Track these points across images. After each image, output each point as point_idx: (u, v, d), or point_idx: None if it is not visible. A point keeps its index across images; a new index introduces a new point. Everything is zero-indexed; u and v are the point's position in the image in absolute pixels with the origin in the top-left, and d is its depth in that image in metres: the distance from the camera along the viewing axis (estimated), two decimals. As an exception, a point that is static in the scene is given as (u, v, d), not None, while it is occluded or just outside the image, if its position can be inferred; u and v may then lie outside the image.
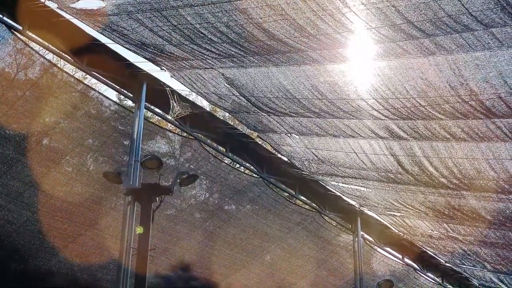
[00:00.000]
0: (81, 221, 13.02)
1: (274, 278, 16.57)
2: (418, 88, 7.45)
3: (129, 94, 11.06)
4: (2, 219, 12.47)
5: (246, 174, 13.43)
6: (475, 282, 18.20)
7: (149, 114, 11.35)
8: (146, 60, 9.49)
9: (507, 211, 10.55)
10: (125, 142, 11.53)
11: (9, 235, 12.86)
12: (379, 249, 16.61)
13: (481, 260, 14.83)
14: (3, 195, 12.04)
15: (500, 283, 16.70)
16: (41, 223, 12.88)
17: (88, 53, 10.46)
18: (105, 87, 11.05)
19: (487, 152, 8.66)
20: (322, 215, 14.82)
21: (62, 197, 12.57)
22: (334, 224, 15.27)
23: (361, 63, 7.55)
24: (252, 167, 13.28)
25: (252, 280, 16.29)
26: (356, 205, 14.82)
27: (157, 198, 9.84)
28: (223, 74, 8.92)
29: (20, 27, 9.58)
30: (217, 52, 8.05)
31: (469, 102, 7.34)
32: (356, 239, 15.34)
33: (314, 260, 16.44)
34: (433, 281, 18.16)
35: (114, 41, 9.09)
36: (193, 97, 11.22)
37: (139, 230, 9.59)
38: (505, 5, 5.40)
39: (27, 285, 14.11)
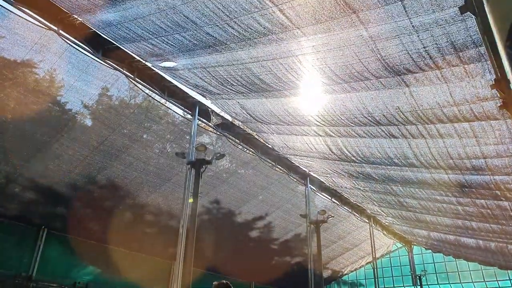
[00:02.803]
0: (163, 177, 13.08)
1: (263, 208, 16.61)
2: (341, 110, 7.50)
3: (189, 111, 11.08)
4: (124, 176, 12.52)
5: (249, 154, 13.49)
6: (368, 210, 18.24)
7: (199, 122, 11.34)
8: (198, 94, 9.52)
9: (387, 173, 10.56)
10: (187, 137, 11.56)
11: (125, 185, 12.92)
12: (318, 194, 16.66)
13: (372, 200, 14.89)
14: (124, 165, 12.08)
15: (380, 211, 16.72)
16: (142, 179, 12.92)
17: (167, 89, 10.49)
18: (175, 108, 11.06)
19: (375, 144, 8.70)
20: (289, 175, 14.88)
21: (154, 165, 12.61)
22: (295, 180, 15.33)
23: (310, 96, 7.58)
24: (252, 150, 13.34)
25: (252, 208, 16.31)
26: (307, 170, 14.87)
27: (203, 166, 9.91)
28: (238, 102, 8.95)
29: (132, 75, 9.61)
30: (235, 90, 8.08)
31: (367, 117, 7.39)
32: (307, 188, 15.42)
33: (285, 199, 16.49)
34: (347, 210, 18.18)
35: (181, 83, 9.12)
36: (222, 113, 11.20)
37: (191, 200, 9.58)
38: (386, 66, 5.45)
39: (133, 210, 14.15)
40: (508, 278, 20.77)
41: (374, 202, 15.10)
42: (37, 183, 11.59)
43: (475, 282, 21.62)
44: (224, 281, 3.15)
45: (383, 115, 7.07)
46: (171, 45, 6.65)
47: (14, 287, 12.23)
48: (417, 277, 22.53)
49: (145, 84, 10.03)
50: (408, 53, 5.14)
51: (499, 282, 20.93)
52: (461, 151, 7.43)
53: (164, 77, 9.92)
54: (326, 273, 22.79)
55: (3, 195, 11.50)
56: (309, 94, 7.39)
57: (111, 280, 14.85)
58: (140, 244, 15.79)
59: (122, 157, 11.82)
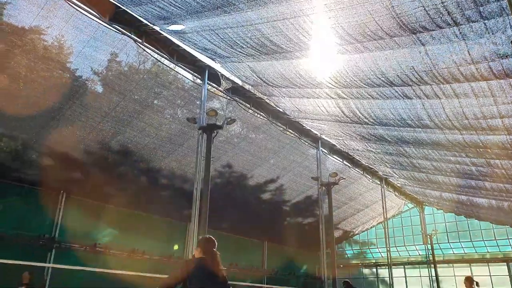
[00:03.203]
0: (175, 142, 13.19)
1: (275, 172, 16.76)
2: (354, 71, 7.34)
3: (198, 76, 10.97)
4: (137, 142, 12.66)
5: (260, 117, 13.42)
6: (380, 172, 18.29)
7: (209, 87, 11.25)
8: (207, 57, 9.39)
9: (400, 135, 10.46)
10: (197, 102, 11.53)
11: (139, 150, 13.10)
12: (330, 156, 16.66)
13: (384, 162, 14.89)
14: (137, 131, 12.19)
15: (392, 172, 16.74)
16: (154, 144, 13.07)
17: (176, 53, 10.35)
18: (184, 72, 10.94)
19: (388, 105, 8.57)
20: (300, 139, 14.85)
21: (166, 130, 12.70)
22: (306, 144, 15.31)
23: (322, 57, 7.41)
24: (263, 114, 13.26)
25: (264, 171, 16.49)
26: (318, 133, 14.82)
27: (214, 131, 9.93)
28: (248, 65, 8.82)
29: (139, 40, 9.48)
30: (245, 53, 7.94)
31: (380, 78, 7.23)
32: (318, 151, 15.42)
33: (296, 163, 16.58)
34: (358, 172, 18.22)
35: (189, 47, 8.98)
36: (232, 77, 11.06)
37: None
38: (401, 24, 5.24)
39: (148, 175, 14.43)
40: (519, 237, 20.99)
41: (386, 164, 15.09)
42: (53, 150, 11.84)
43: (486, 240, 21.87)
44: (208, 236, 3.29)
45: (397, 75, 6.89)
46: (179, 7, 6.48)
47: (39, 248, 12.85)
48: (428, 236, 22.88)
49: (154, 49, 9.88)
50: (424, 9, 4.91)
51: (510, 240, 21.14)
52: (477, 111, 7.27)
53: (172, 41, 9.76)
54: (337, 233, 23.28)
55: (21, 161, 11.81)
56: (321, 55, 7.21)
57: (129, 242, 15.44)
58: (156, 207, 16.24)
59: (134, 123, 11.91)
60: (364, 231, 25.30)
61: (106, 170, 13.42)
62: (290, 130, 14.36)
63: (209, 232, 9.24)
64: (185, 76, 11.11)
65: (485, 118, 7.40)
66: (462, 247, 22.71)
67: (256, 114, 13.20)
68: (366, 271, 26.11)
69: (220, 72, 10.78)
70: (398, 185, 19.90)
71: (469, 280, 8.05)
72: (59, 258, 13.04)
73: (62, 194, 13.83)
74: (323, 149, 15.73)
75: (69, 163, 12.42)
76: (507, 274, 20.77)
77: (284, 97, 10.55)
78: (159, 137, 12.74)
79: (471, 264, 21.97)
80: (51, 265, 12.58)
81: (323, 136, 14.94)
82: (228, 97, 12.16)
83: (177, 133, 12.79)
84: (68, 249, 13.63)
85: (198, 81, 11.06)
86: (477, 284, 8.13)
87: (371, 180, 18.97)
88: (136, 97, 11.21)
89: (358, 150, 14.50)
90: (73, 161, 12.41)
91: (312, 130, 14.52)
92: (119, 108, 11.23)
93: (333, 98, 9.11)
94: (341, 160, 16.98)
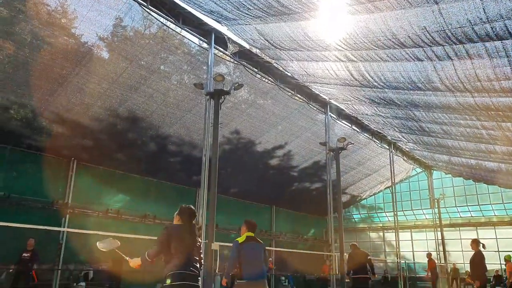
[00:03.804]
0: (183, 109, 13.23)
1: (283, 138, 16.81)
2: (363, 32, 7.17)
3: (205, 40, 10.82)
4: (145, 108, 12.72)
5: (268, 83, 13.31)
6: (389, 137, 18.23)
7: (216, 51, 11.11)
8: (213, 20, 9.21)
9: (410, 98, 10.36)
10: (204, 67, 11.43)
11: (147, 116, 13.18)
12: (338, 121, 16.59)
13: (393, 126, 14.81)
14: (144, 97, 12.21)
15: (401, 137, 16.68)
16: (162, 110, 13.12)
17: (181, 16, 10.17)
18: (191, 36, 10.78)
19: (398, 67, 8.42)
20: (308, 104, 14.75)
21: (174, 96, 12.71)
22: (314, 109, 15.20)
23: (331, 18, 7.22)
24: (271, 79, 13.13)
25: (272, 137, 16.55)
26: (327, 98, 14.70)
27: (222, 96, 9.89)
28: (255, 27, 8.65)
29: (144, 3, 9.30)
30: (252, 15, 7.77)
31: (391, 39, 7.07)
32: (326, 116, 15.34)
33: (304, 128, 16.58)
34: (367, 137, 18.19)
35: (195, 9, 8.81)
36: (239, 41, 10.89)
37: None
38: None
39: (156, 141, 14.61)
40: (527, 200, 21.10)
41: (395, 128, 15.02)
42: (63, 117, 11.97)
43: (493, 204, 22.04)
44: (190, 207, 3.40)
45: (408, 36, 6.72)
46: (183, -33, 6.31)
47: (54, 213, 13.30)
48: (436, 200, 23.09)
49: (159, 12, 9.72)
50: (439, -36, 4.73)
51: (517, 203, 21.31)
52: (490, 72, 7.12)
53: (177, 4, 9.58)
54: (344, 198, 23.59)
55: (32, 129, 12.00)
56: (330, 16, 7.02)
57: (141, 207, 15.88)
58: (166, 173, 16.56)
59: (142, 89, 11.91)
60: (371, 195, 25.55)
61: (116, 137, 13.60)
62: (298, 95, 14.22)
63: (218, 197, 9.44)
64: (191, 40, 10.96)
65: (498, 79, 7.26)
66: (469, 211, 22.94)
67: (264, 79, 13.06)
68: (373, 235, 26.64)
69: (226, 36, 10.61)
70: (407, 149, 19.88)
71: (475, 242, 8.20)
72: (73, 223, 13.51)
73: (73, 161, 14.12)
74: (332, 114, 15.62)
75: (79, 130, 12.59)
76: (514, 237, 21.09)
77: (292, 60, 10.40)
78: (167, 103, 12.76)
79: (478, 227, 22.26)
80: (65, 229, 13.05)
81: (332, 101, 14.80)
82: (235, 62, 12.01)
83: (185, 99, 12.79)
84: (81, 214, 14.08)
85: (205, 45, 10.91)
86: (483, 246, 8.28)
87: (379, 145, 18.96)
88: (142, 62, 11.15)
89: (367, 114, 14.41)
90: (82, 128, 12.57)
91: (321, 95, 14.38)
92: (126, 74, 11.21)
93: (342, 61, 8.97)
94: (350, 125, 16.92)
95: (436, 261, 19.71)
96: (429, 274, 15.54)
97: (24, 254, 10.19)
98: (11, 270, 10.36)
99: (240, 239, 4.88)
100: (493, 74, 7.10)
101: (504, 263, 12.32)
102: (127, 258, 3.69)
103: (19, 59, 9.79)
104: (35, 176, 13.09)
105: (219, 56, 11.74)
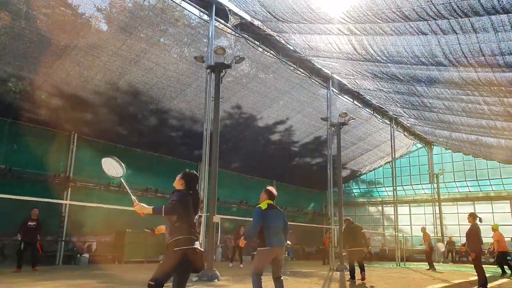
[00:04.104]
0: (184, 82, 13.14)
1: (284, 113, 16.75)
2: (367, 5, 7.03)
3: (206, 11, 10.62)
4: (145, 82, 12.64)
5: (270, 56, 13.16)
6: (391, 112, 18.17)
7: (217, 23, 10.93)
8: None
9: (413, 73, 10.26)
10: (204, 40, 11.27)
11: (147, 90, 13.10)
12: (340, 96, 16.51)
13: (395, 101, 14.74)
14: (144, 70, 12.10)
15: (402, 112, 16.62)
16: (163, 84, 13.03)
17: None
18: (191, 8, 10.58)
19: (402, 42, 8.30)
20: (310, 78, 14.63)
21: (174, 70, 12.58)
22: (317, 83, 15.09)
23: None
24: (273, 52, 12.97)
25: (273, 112, 16.49)
26: (329, 72, 14.57)
27: (223, 70, 9.82)
28: (257, -1, 8.48)
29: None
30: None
31: (395, 12, 6.94)
32: (328, 91, 15.25)
33: (306, 103, 16.49)
34: (368, 112, 18.14)
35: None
36: (241, 12, 10.69)
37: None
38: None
39: (157, 116, 14.58)
40: (525, 176, 21.27)
41: (397, 103, 14.96)
42: (62, 90, 11.91)
43: (491, 179, 22.24)
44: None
45: (413, 9, 6.60)
46: None
47: (56, 186, 13.44)
48: (435, 175, 23.25)
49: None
50: None
51: (516, 179, 21.50)
52: (494, 47, 7.03)
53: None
54: (344, 173, 23.76)
55: (31, 102, 11.95)
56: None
57: (143, 181, 16.01)
58: (168, 148, 16.61)
59: (142, 62, 11.79)
60: (371, 170, 25.76)
61: (116, 110, 13.56)
62: (300, 70, 14.09)
63: (219, 172, 9.54)
64: (191, 12, 10.77)
65: (503, 54, 7.17)
66: (467, 186, 23.17)
67: (266, 52, 12.90)
68: (372, 209, 27.01)
69: (228, 7, 10.41)
70: (408, 125, 19.88)
71: (472, 216, 8.33)
72: (75, 197, 13.66)
73: (74, 135, 14.14)
74: (334, 89, 15.52)
75: (79, 104, 12.54)
76: (510, 211, 21.37)
77: (294, 33, 10.24)
78: (167, 77, 12.66)
79: (475, 202, 22.54)
80: (67, 201, 13.22)
81: (334, 75, 14.67)
82: (237, 34, 11.83)
83: (185, 73, 12.68)
84: (83, 188, 14.24)
85: (205, 17, 10.72)
86: (480, 219, 8.42)
87: (380, 120, 18.94)
88: (142, 35, 10.99)
89: (369, 89, 14.31)
90: (82, 102, 12.52)
91: (323, 69, 14.25)
92: (125, 46, 11.07)
93: (345, 34, 8.83)
94: (352, 100, 16.84)
95: (432, 234, 20.06)
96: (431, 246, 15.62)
97: (30, 223, 10.31)
98: (15, 238, 10.50)
99: (263, 206, 4.85)
100: (497, 48, 7.01)
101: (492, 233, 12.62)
102: (134, 198, 3.64)
103: (15, 30, 9.64)
104: (36, 150, 13.13)
105: (220, 29, 11.56)
